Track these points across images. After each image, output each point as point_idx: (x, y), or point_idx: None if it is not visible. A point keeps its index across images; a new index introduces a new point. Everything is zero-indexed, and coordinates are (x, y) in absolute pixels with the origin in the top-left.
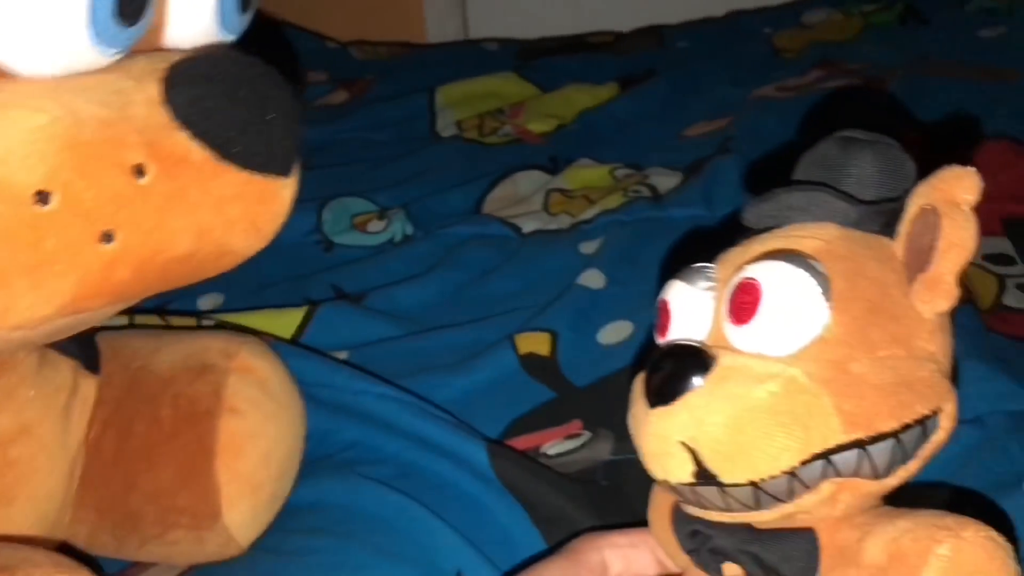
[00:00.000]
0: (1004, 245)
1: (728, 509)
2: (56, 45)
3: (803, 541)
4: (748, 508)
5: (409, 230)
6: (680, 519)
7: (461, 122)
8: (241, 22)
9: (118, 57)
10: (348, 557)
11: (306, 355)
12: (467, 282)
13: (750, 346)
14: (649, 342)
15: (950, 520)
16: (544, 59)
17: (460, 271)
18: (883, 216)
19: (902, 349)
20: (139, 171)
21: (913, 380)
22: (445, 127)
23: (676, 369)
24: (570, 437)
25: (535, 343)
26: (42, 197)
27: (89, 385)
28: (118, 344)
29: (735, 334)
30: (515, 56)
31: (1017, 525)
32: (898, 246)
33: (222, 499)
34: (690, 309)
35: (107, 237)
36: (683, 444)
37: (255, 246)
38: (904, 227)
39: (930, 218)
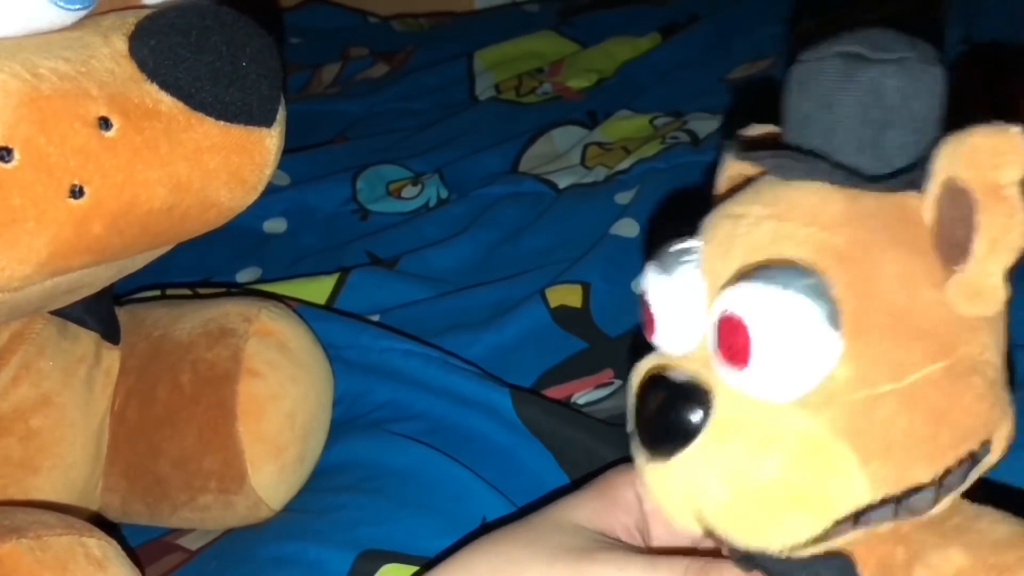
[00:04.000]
0: None
1: (750, 557)
2: (10, 2)
3: (837, 566)
4: (769, 557)
5: (444, 194)
6: None
7: (499, 84)
8: None
9: (82, 14)
10: (374, 511)
11: (332, 317)
12: (500, 241)
13: (744, 388)
14: (639, 335)
15: (1012, 553)
16: (584, 15)
17: (493, 230)
18: (902, 177)
19: (942, 364)
20: (104, 124)
21: (954, 409)
22: (484, 91)
23: (669, 417)
24: (601, 386)
25: (567, 295)
26: (4, 154)
27: (112, 357)
28: (140, 315)
29: (728, 374)
30: (555, 15)
31: None
32: (925, 210)
33: (247, 461)
34: (675, 304)
35: (76, 192)
36: (688, 503)
37: (242, 199)
38: (930, 195)
39: (962, 201)
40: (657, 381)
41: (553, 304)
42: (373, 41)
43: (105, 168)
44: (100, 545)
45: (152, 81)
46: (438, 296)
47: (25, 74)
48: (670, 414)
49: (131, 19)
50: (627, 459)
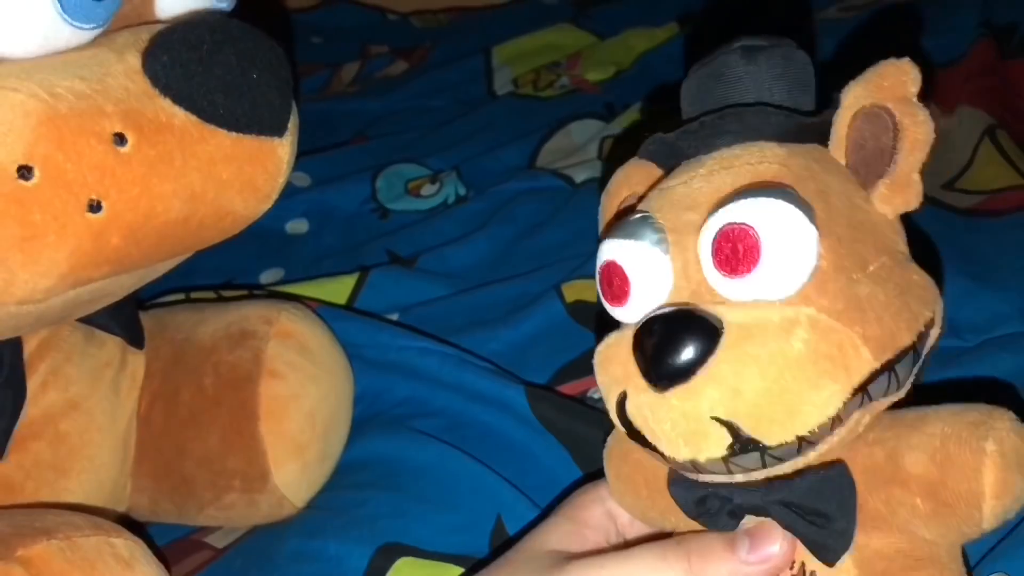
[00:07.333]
0: None
1: (764, 467)
2: (27, 24)
3: (834, 473)
4: (786, 461)
5: (462, 191)
6: (682, 488)
7: (517, 79)
8: None
9: (97, 32)
10: (392, 507)
11: (351, 317)
12: (518, 237)
13: (745, 295)
14: (602, 312)
15: (974, 414)
16: (601, 7)
17: (510, 226)
18: (817, 126)
19: (887, 257)
20: (120, 139)
21: (911, 285)
22: (502, 86)
23: (681, 341)
24: None
25: (583, 290)
26: (24, 172)
27: (137, 361)
28: (164, 319)
29: (728, 286)
30: (572, 7)
31: None
32: (837, 151)
33: (269, 460)
34: (646, 268)
35: (94, 206)
36: (717, 419)
37: (257, 207)
38: (841, 130)
39: (881, 118)
40: (653, 321)
41: (569, 299)
42: (392, 38)
43: (121, 182)
44: (127, 545)
45: (165, 96)
46: (456, 293)
47: (43, 94)
48: (682, 336)
49: (144, 35)
50: (591, 477)
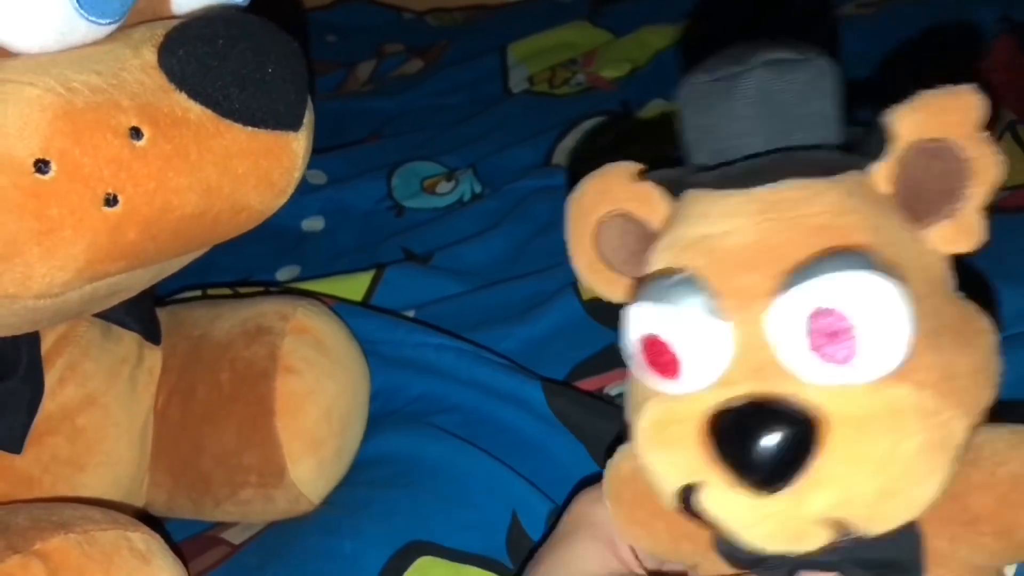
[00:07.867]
0: None
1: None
2: (43, 19)
3: (910, 533)
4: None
5: (478, 189)
6: (734, 550)
7: (533, 76)
8: None
9: (113, 27)
10: (409, 504)
11: (367, 314)
12: (532, 234)
13: (832, 379)
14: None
15: None
16: (617, 4)
17: (525, 224)
18: (854, 160)
19: (954, 307)
20: (136, 133)
21: (980, 335)
22: (517, 84)
23: (781, 442)
24: None
25: None
26: (41, 166)
27: (154, 356)
28: (181, 316)
29: (812, 367)
30: (588, 4)
31: None
32: (883, 180)
33: (285, 456)
34: (699, 340)
35: (110, 200)
36: (824, 519)
37: (272, 201)
38: (893, 163)
39: (945, 154)
40: (737, 415)
41: (586, 296)
42: (408, 37)
43: (137, 176)
44: (144, 539)
45: (181, 90)
46: (471, 290)
47: (60, 88)
48: (783, 437)
49: (160, 30)
50: (589, 482)
